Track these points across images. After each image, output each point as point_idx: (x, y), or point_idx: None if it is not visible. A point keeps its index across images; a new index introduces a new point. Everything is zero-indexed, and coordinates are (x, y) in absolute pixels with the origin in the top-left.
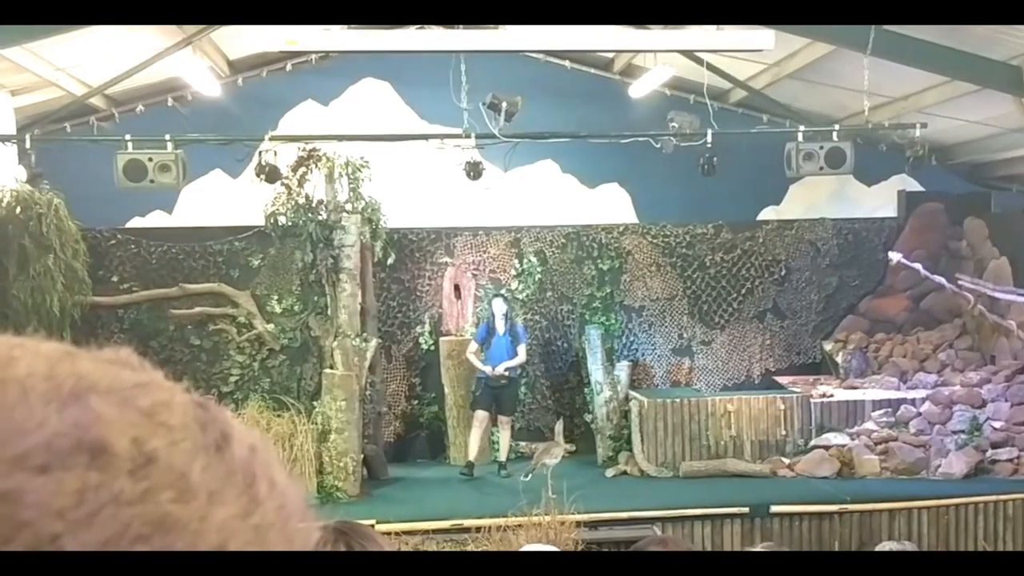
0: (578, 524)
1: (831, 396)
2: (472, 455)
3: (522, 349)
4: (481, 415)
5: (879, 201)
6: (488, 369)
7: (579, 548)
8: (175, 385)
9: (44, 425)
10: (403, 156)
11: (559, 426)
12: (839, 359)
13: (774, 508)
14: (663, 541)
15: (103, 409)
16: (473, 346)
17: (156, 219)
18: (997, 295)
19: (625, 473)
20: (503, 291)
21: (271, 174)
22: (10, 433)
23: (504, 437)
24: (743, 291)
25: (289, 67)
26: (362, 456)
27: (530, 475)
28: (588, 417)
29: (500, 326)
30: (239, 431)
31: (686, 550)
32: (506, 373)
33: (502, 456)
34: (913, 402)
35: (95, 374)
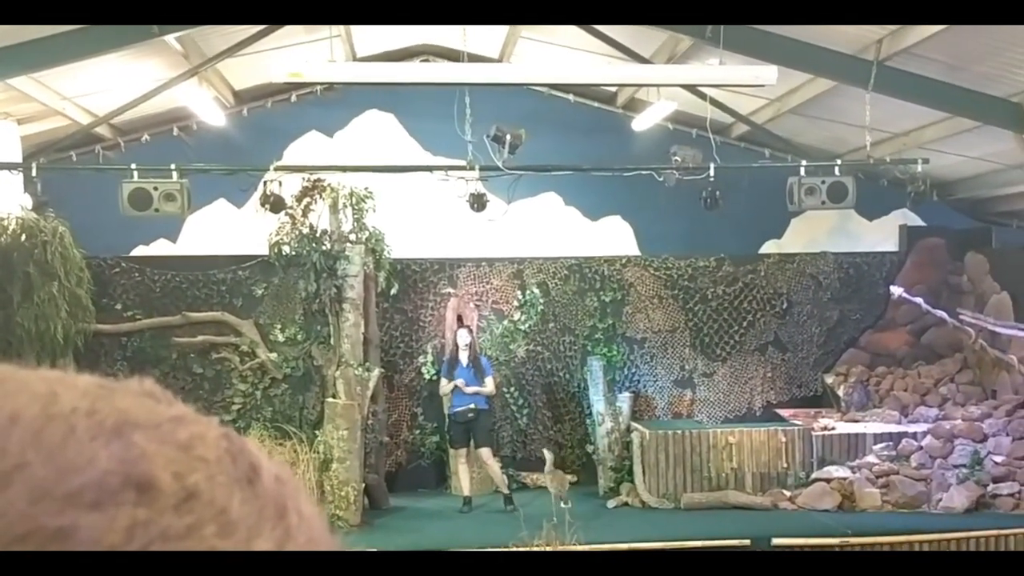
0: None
1: (832, 429)
2: (466, 491)
3: (489, 381)
4: (461, 452)
5: (880, 236)
6: (458, 387)
7: None
8: (205, 417)
9: (94, 462)
10: (407, 187)
11: (549, 455)
12: (840, 392)
13: (775, 541)
14: None
15: (146, 445)
16: (444, 381)
17: (160, 247)
18: (998, 330)
19: (627, 504)
20: (468, 323)
21: (275, 204)
22: (62, 470)
23: (493, 470)
24: (744, 324)
25: (294, 98)
26: (363, 485)
27: (570, 502)
28: (590, 448)
29: (463, 357)
30: (265, 462)
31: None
32: (472, 407)
33: (503, 488)
34: (914, 436)
35: (133, 409)
